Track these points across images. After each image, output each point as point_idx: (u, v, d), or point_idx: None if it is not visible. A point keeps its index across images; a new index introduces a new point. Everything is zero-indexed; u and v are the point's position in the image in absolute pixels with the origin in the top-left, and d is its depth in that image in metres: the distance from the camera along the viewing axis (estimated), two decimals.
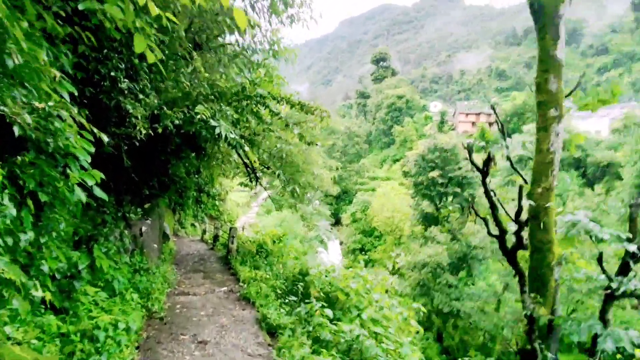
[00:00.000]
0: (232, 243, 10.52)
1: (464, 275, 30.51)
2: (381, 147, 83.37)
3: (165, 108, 5.69)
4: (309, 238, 38.69)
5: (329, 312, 5.83)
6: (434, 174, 29.98)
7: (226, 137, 5.72)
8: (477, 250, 28.07)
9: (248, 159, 11.05)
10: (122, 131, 5.49)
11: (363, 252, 47.11)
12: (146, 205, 8.92)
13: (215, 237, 13.67)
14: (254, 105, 7.20)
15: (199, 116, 5.85)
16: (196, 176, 16.11)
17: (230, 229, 10.68)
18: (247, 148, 5.94)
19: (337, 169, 14.08)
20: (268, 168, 10.97)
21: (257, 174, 11.10)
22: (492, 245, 26.01)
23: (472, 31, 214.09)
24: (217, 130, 5.56)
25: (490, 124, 77.77)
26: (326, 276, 8.15)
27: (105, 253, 6.00)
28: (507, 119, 69.61)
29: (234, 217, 27.91)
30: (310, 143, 8.21)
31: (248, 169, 11.14)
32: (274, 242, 13.70)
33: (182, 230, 19.35)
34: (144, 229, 8.06)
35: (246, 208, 48.57)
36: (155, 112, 5.64)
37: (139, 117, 5.26)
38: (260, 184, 11.90)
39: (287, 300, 7.52)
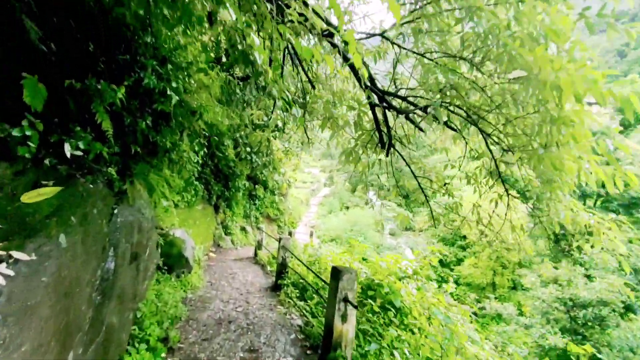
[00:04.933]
0: (346, 320, 3.46)
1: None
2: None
3: None
4: (384, 246, 31.22)
5: None
6: None
7: None
8: None
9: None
10: None
11: (443, 265, 38.38)
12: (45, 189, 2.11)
13: (282, 268, 6.84)
14: None
15: None
16: (249, 150, 9.41)
17: (339, 273, 3.60)
18: None
19: None
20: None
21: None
22: None
23: None
24: None
25: None
26: None
27: None
28: None
29: (296, 218, 21.26)
30: None
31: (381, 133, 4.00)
32: (399, 279, 6.56)
33: (228, 237, 12.90)
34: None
35: (305, 206, 41.74)
36: None
37: None
38: (399, 155, 4.80)
39: None
